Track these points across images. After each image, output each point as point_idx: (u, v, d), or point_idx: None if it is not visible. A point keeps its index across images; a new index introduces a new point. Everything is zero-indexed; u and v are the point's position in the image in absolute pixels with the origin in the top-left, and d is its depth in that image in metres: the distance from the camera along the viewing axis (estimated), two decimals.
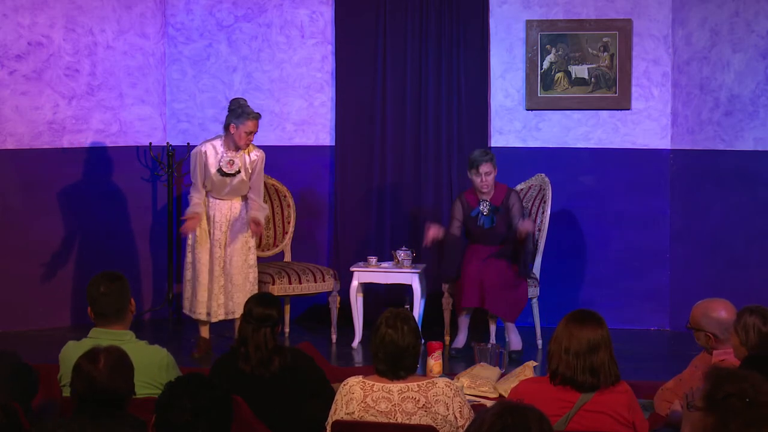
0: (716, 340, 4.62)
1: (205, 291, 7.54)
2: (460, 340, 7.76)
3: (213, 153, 7.47)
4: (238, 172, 7.48)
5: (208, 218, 7.58)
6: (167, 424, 3.28)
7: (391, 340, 4.27)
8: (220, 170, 7.45)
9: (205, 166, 7.48)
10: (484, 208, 7.67)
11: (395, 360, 4.27)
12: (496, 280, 7.56)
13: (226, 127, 7.47)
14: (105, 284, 4.62)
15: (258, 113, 7.48)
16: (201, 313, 7.57)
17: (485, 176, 7.61)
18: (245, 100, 7.53)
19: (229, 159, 7.46)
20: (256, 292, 7.46)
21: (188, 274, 7.62)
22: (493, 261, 7.62)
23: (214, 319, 7.56)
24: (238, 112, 7.40)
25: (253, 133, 7.45)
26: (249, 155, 7.54)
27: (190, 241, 7.60)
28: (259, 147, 8.26)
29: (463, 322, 7.78)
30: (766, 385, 3.03)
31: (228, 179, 7.47)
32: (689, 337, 5.05)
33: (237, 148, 7.48)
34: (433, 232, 7.64)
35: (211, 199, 7.55)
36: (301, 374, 4.90)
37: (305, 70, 8.84)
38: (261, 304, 4.96)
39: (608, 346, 4.12)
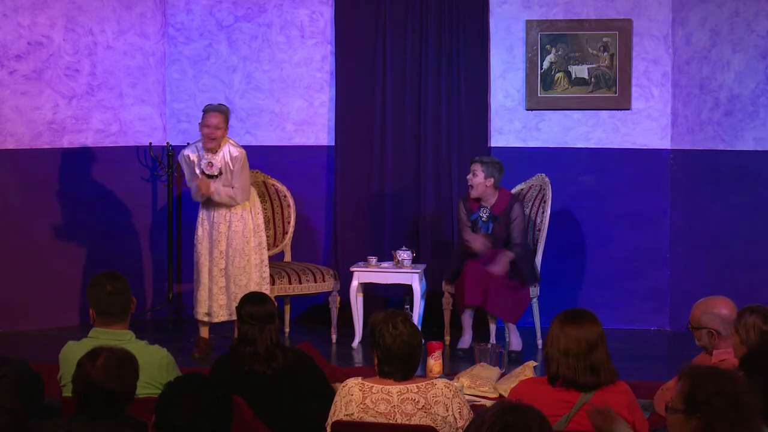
0: (719, 336, 4.62)
1: (205, 291, 7.55)
2: (466, 340, 7.75)
3: (195, 155, 7.51)
4: (220, 173, 7.49)
5: (207, 219, 7.59)
6: (167, 424, 3.28)
7: (403, 340, 4.26)
8: (202, 172, 7.49)
9: (193, 165, 7.52)
10: (483, 214, 7.72)
11: (407, 359, 4.27)
12: (499, 281, 7.57)
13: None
14: (111, 283, 4.62)
15: (212, 105, 7.52)
16: (200, 313, 7.58)
17: (471, 175, 7.70)
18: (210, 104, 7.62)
19: (207, 161, 7.49)
20: (266, 290, 7.51)
21: (195, 274, 7.65)
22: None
23: (215, 320, 7.57)
24: (203, 114, 7.51)
25: (210, 126, 7.44)
26: (229, 154, 7.51)
27: (195, 241, 7.62)
28: (260, 147, 8.26)
29: (467, 321, 7.78)
30: (743, 381, 3.03)
31: (212, 180, 7.50)
32: (689, 337, 5.05)
33: (210, 149, 7.50)
34: (481, 243, 7.67)
35: (209, 201, 7.56)
36: (301, 374, 4.90)
37: (305, 70, 8.85)
38: (258, 303, 4.96)
39: (604, 343, 4.12)
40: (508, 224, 7.72)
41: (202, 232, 7.60)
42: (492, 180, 7.68)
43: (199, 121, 7.54)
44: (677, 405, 3.01)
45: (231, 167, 7.49)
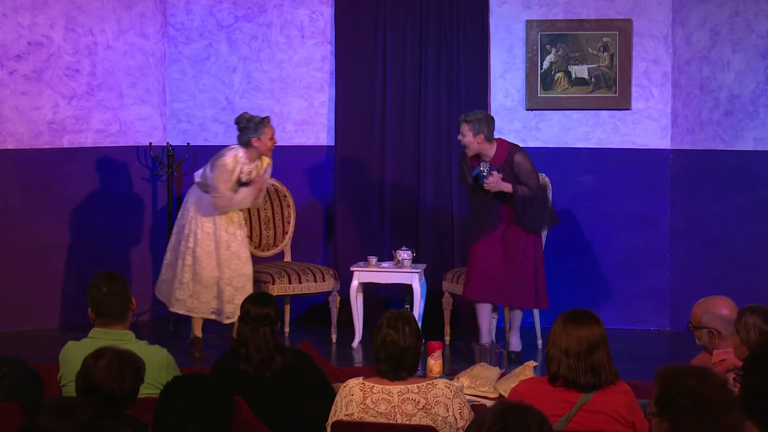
0: (719, 336, 4.62)
1: (211, 292, 7.54)
2: (484, 336, 7.58)
3: (237, 164, 7.53)
4: (252, 180, 7.56)
5: (211, 223, 7.59)
6: (162, 424, 3.28)
7: (393, 340, 4.27)
8: (238, 179, 7.53)
9: (235, 174, 7.57)
10: (484, 169, 7.48)
11: (396, 360, 4.27)
12: (516, 276, 7.48)
13: (246, 143, 7.53)
14: (107, 285, 4.61)
15: (267, 116, 7.63)
16: (204, 312, 7.57)
17: (461, 136, 7.49)
18: (247, 113, 7.62)
19: (249, 170, 7.56)
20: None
21: (186, 276, 7.60)
22: (511, 252, 7.49)
23: (227, 321, 7.56)
24: (252, 126, 7.52)
25: (274, 134, 7.59)
26: (263, 163, 7.68)
27: (190, 245, 7.59)
28: None
29: (484, 320, 7.59)
30: (713, 376, 3.03)
31: (240, 187, 7.55)
32: (689, 337, 5.05)
33: (259, 156, 7.60)
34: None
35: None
36: (302, 374, 4.89)
37: (305, 70, 8.85)
38: (257, 303, 4.95)
39: (606, 345, 4.12)
40: (512, 174, 7.48)
41: (202, 235, 7.58)
42: (482, 135, 7.43)
43: (258, 133, 7.49)
44: (653, 409, 3.03)
45: (260, 173, 7.65)
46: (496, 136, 7.61)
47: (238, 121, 7.57)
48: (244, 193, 7.57)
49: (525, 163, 7.48)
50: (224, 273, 7.57)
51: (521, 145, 7.74)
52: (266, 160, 7.69)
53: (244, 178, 7.55)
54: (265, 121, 7.53)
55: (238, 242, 7.65)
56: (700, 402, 2.95)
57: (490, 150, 7.50)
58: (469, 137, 7.45)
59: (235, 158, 7.50)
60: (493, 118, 7.58)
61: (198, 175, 7.65)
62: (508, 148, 7.53)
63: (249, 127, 7.50)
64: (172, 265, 7.68)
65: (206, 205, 7.58)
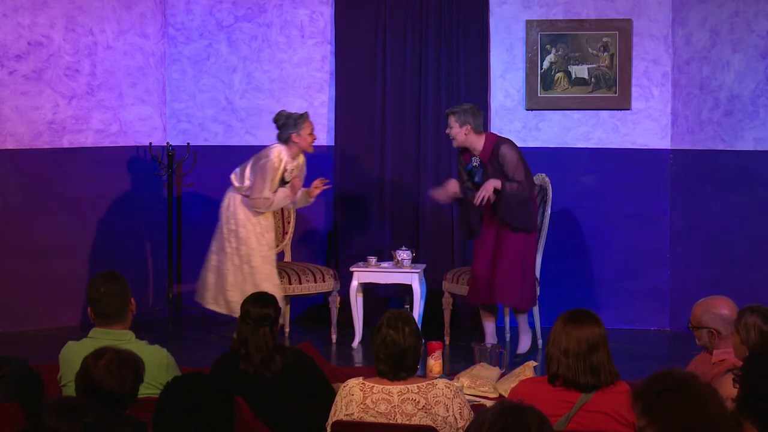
0: (719, 336, 4.62)
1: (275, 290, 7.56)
2: (488, 338, 7.64)
3: (281, 162, 7.56)
4: (292, 180, 7.67)
5: (264, 221, 7.67)
6: (163, 423, 3.28)
7: (393, 340, 4.27)
8: (282, 178, 7.60)
9: (282, 173, 7.61)
10: (475, 162, 7.47)
11: (396, 361, 4.27)
12: (500, 273, 7.42)
13: (286, 139, 7.59)
14: (105, 285, 4.61)
15: (305, 111, 7.74)
16: None
17: (449, 128, 7.48)
18: (285, 110, 7.73)
19: (292, 168, 7.65)
20: None
21: (259, 277, 7.61)
22: (501, 250, 7.44)
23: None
24: (291, 122, 7.59)
25: (313, 129, 7.67)
26: (300, 162, 7.77)
27: (253, 245, 7.58)
28: (260, 147, 8.27)
29: (488, 327, 7.65)
30: (682, 371, 3.07)
31: (279, 187, 7.60)
32: (689, 337, 5.05)
33: (299, 153, 7.68)
34: (452, 187, 7.49)
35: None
36: (302, 374, 4.89)
37: (305, 70, 8.85)
38: (258, 303, 4.94)
39: (606, 345, 4.12)
40: (500, 167, 7.39)
41: (261, 236, 7.68)
42: (468, 126, 7.39)
43: (297, 128, 7.57)
44: (641, 423, 3.03)
45: (299, 171, 7.75)
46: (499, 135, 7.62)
47: (276, 120, 7.66)
48: (283, 193, 7.60)
49: (510, 155, 7.37)
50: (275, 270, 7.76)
51: (521, 145, 7.73)
52: (301, 158, 7.76)
53: (287, 177, 7.59)
54: (303, 116, 7.62)
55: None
56: (681, 393, 2.96)
57: (478, 143, 7.45)
58: (455, 128, 7.44)
59: (279, 156, 7.55)
60: (480, 111, 7.58)
61: (236, 178, 7.66)
62: (495, 141, 7.46)
63: (288, 124, 7.58)
64: (230, 272, 7.64)
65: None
